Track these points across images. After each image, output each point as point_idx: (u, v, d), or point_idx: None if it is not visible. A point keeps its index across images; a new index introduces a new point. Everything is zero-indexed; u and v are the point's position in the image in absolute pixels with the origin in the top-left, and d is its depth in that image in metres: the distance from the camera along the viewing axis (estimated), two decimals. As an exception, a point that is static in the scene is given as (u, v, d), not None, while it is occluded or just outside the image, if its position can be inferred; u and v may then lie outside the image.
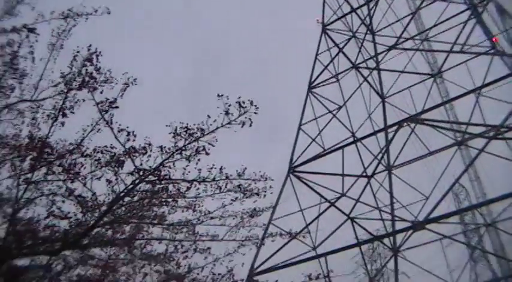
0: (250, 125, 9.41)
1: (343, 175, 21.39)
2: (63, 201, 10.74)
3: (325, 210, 21.21)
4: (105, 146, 9.86)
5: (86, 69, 9.91)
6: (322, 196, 21.59)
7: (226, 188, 10.58)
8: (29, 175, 10.38)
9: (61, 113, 10.05)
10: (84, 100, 9.96)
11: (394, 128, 20.71)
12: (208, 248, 11.10)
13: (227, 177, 10.36)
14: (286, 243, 19.16)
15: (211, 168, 10.09)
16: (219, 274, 10.86)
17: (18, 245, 10.13)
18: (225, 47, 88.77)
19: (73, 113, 10.14)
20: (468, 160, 24.72)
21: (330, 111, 23.13)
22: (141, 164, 9.70)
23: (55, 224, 10.72)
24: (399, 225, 20.35)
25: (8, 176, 10.87)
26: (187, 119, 9.75)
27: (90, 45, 9.94)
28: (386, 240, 21.52)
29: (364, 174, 21.39)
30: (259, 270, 20.21)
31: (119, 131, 9.70)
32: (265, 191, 10.99)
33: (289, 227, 14.60)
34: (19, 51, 10.66)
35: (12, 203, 10.54)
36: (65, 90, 10.07)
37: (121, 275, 11.31)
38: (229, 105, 9.33)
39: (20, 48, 10.64)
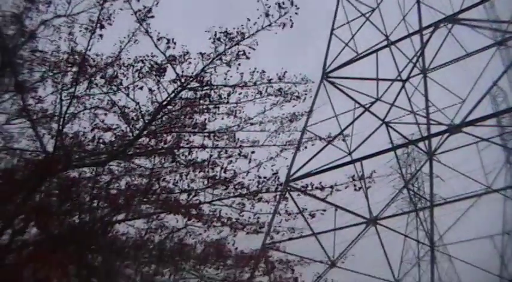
0: (291, 26, 9.26)
1: (377, 79, 21.19)
2: (106, 114, 11.01)
3: (360, 115, 21.31)
4: (146, 55, 9.90)
5: (120, -24, 9.75)
6: (356, 101, 21.59)
7: (266, 92, 10.60)
8: (71, 90, 10.52)
9: (98, 24, 10.03)
10: (121, 9, 9.88)
11: (430, 29, 20.14)
12: (253, 152, 11.26)
13: (269, 81, 10.37)
14: (321, 149, 19.47)
15: (253, 72, 10.10)
16: (264, 177, 11.09)
17: (67, 159, 10.45)
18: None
19: (110, 24, 10.12)
20: (508, 61, 24.02)
21: (363, 15, 22.49)
22: (182, 72, 9.75)
23: (100, 136, 11.00)
24: (434, 129, 20.39)
25: (51, 92, 11.11)
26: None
27: None
28: (421, 144, 21.67)
29: (399, 78, 21.12)
30: (295, 176, 20.78)
31: (157, 39, 9.66)
32: (305, 94, 11.00)
33: (324, 134, 14.69)
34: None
35: (57, 119, 10.80)
36: (100, 2, 9.99)
37: (167, 182, 11.65)
38: (269, 7, 9.16)
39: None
